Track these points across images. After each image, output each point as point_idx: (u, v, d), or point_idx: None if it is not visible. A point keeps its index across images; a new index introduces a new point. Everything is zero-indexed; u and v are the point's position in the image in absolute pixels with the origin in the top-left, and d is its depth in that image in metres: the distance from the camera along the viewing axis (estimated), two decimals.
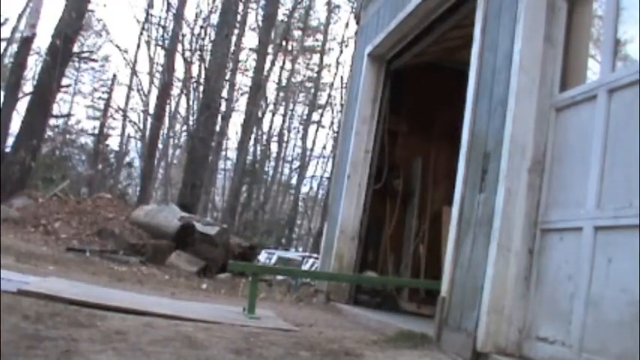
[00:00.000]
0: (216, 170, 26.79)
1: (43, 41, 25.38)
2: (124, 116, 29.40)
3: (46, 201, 13.19)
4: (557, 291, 3.08)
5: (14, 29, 24.10)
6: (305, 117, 31.53)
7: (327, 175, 27.67)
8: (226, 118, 24.87)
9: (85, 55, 24.66)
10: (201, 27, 23.05)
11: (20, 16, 23.40)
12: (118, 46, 34.80)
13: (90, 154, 28.53)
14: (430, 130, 7.77)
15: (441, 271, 4.25)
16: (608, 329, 2.66)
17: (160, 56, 25.71)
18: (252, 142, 27.09)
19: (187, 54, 22.88)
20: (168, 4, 23.48)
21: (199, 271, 9.32)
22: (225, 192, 28.34)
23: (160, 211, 11.31)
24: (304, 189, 31.42)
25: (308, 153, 30.78)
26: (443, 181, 7.27)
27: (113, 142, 30.43)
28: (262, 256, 15.36)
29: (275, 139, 30.75)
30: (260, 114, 27.17)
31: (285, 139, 31.65)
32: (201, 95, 21.21)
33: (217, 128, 22.26)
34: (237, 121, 31.28)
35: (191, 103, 24.10)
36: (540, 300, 3.21)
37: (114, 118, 30.55)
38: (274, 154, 31.29)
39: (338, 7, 29.30)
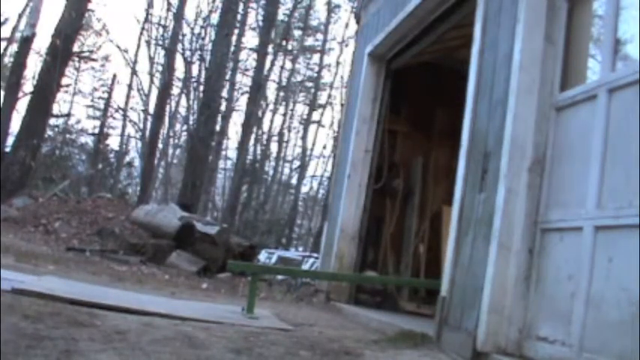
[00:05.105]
0: (216, 170, 26.77)
1: (43, 41, 25.43)
2: (124, 116, 29.38)
3: (46, 201, 13.19)
4: (558, 291, 3.08)
5: (14, 29, 24.09)
6: (305, 117, 31.51)
7: (327, 174, 27.66)
8: (226, 117, 24.84)
9: (85, 54, 24.63)
10: (201, 27, 22.98)
11: (20, 16, 23.38)
12: (118, 46, 34.91)
13: (90, 154, 28.49)
14: (430, 130, 7.78)
15: (441, 271, 4.25)
16: (608, 329, 2.66)
17: (160, 56, 25.68)
18: (252, 141, 27.05)
19: (187, 54, 22.81)
20: (169, 4, 23.48)
21: (199, 270, 9.31)
22: (225, 192, 28.30)
23: (160, 210, 11.29)
24: (304, 189, 31.43)
25: (308, 153, 30.78)
26: (443, 180, 7.27)
27: (113, 142, 30.39)
28: (262, 256, 15.33)
29: (275, 138, 30.74)
30: (260, 114, 27.13)
31: (285, 138, 31.63)
32: (201, 95, 21.16)
33: (217, 128, 22.23)
34: (237, 120, 31.27)
35: (191, 103, 23.99)
36: (540, 300, 3.21)
37: (114, 118, 30.55)
38: (274, 154, 31.29)
39: (338, 7, 29.27)
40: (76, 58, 22.88)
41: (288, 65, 29.58)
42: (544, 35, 3.50)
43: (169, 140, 27.91)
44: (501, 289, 3.31)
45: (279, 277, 9.55)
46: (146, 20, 25.70)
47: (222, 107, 23.15)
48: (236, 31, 22.90)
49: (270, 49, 24.69)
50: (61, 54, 14.83)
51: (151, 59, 26.48)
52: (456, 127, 4.41)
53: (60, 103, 25.02)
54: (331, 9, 29.41)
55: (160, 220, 10.69)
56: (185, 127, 25.11)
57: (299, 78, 31.18)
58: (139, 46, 28.36)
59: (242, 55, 26.07)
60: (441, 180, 7.47)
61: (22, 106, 16.74)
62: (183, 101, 25.76)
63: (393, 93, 7.19)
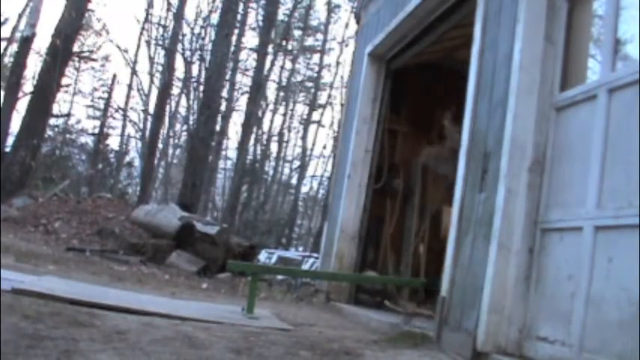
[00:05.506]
0: (216, 170, 26.77)
1: (43, 41, 25.45)
2: (124, 116, 29.40)
3: (46, 201, 13.20)
4: (558, 290, 3.08)
5: (14, 29, 24.10)
6: (305, 117, 31.51)
7: (327, 174, 27.67)
8: (226, 117, 24.85)
9: (85, 54, 24.64)
10: (201, 27, 23.01)
11: (20, 16, 23.39)
12: (118, 46, 35.01)
13: (90, 154, 28.51)
14: (430, 130, 7.77)
15: (441, 271, 4.25)
16: (608, 329, 2.66)
17: (160, 56, 25.71)
18: (252, 141, 27.05)
19: (187, 54, 22.83)
20: (169, 4, 23.50)
21: (199, 270, 9.31)
22: (225, 192, 28.31)
23: (160, 210, 11.30)
24: (304, 189, 31.44)
25: (308, 153, 30.79)
26: (443, 180, 7.26)
27: (113, 142, 30.43)
28: (262, 256, 15.31)
29: (275, 138, 30.75)
30: (260, 114, 27.13)
31: (285, 138, 31.63)
32: (201, 95, 21.17)
33: (217, 128, 22.23)
34: (237, 120, 31.31)
35: (191, 103, 24.01)
36: (540, 299, 3.21)
37: (114, 118, 30.57)
38: (274, 154, 31.29)
39: (338, 7, 29.29)
40: (76, 58, 22.89)
41: (288, 65, 29.61)
42: (544, 35, 3.50)
43: (169, 140, 27.93)
44: (501, 289, 3.31)
45: (279, 277, 9.55)
46: (146, 20, 25.76)
47: (222, 107, 23.14)
48: (236, 31, 22.89)
49: (270, 49, 24.69)
50: (61, 54, 14.84)
51: (151, 59, 26.53)
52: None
53: (60, 103, 25.04)
54: (331, 9, 29.45)
55: (160, 220, 10.69)
56: (185, 127, 25.14)
57: (299, 78, 31.19)
58: (139, 46, 28.45)
59: (242, 55, 26.12)
60: (441, 180, 7.46)
61: (22, 106, 16.78)
62: (183, 101, 25.80)
63: (393, 93, 7.19)
